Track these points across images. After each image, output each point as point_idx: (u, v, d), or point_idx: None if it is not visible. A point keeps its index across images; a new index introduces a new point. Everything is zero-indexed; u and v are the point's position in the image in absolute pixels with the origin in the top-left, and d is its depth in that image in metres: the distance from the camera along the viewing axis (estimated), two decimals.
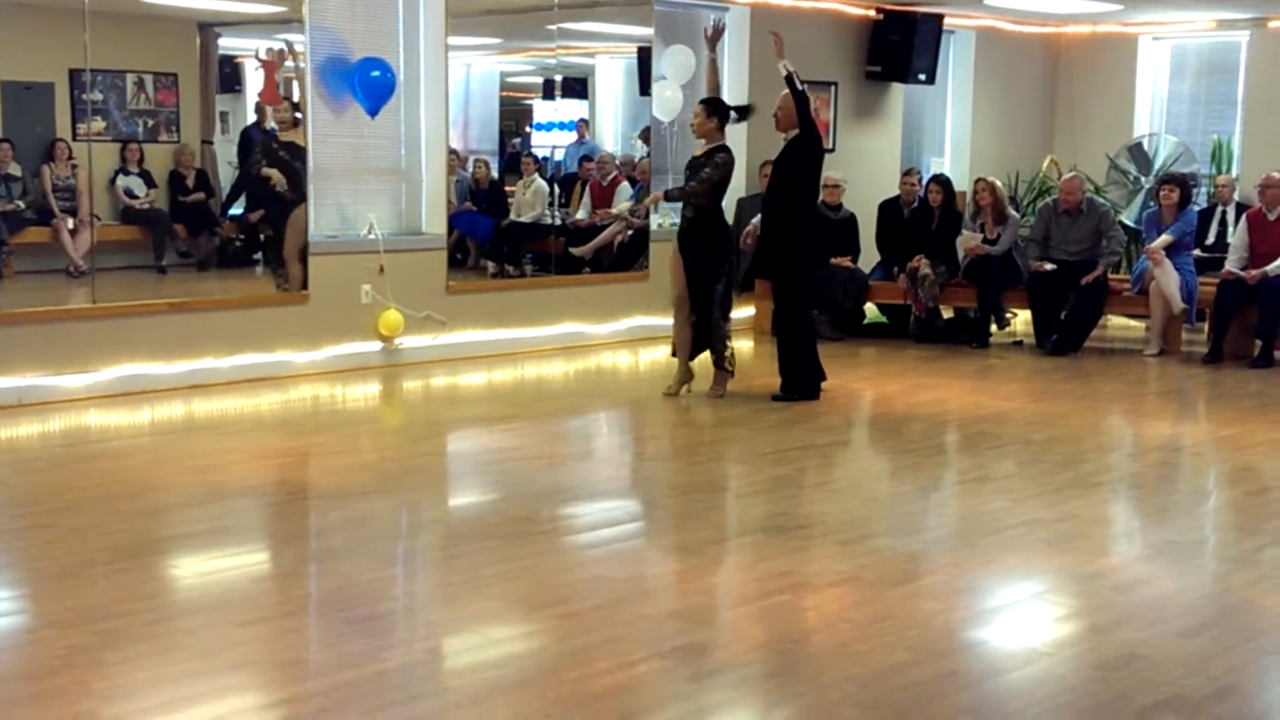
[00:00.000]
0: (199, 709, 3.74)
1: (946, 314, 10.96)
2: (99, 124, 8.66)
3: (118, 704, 3.77)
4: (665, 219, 10.88)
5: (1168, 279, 10.03)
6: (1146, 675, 4.05)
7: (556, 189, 11.08)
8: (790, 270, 8.17)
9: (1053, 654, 4.26)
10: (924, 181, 11.13)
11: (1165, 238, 10.15)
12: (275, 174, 8.89)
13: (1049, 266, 10.32)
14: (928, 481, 6.74)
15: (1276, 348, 9.75)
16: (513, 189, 11.05)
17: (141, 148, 8.94)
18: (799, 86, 7.89)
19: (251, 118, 9.57)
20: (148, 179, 9.01)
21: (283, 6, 9.07)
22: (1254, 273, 9.77)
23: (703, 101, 8.13)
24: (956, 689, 3.97)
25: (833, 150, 11.72)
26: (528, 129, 11.63)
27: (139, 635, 4.25)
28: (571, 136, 11.51)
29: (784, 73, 7.86)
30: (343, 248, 9.06)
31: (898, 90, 12.26)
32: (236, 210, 9.56)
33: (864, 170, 11.78)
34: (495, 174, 11.09)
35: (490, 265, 10.79)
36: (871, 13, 11.80)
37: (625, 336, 10.49)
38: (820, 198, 10.73)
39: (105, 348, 8.00)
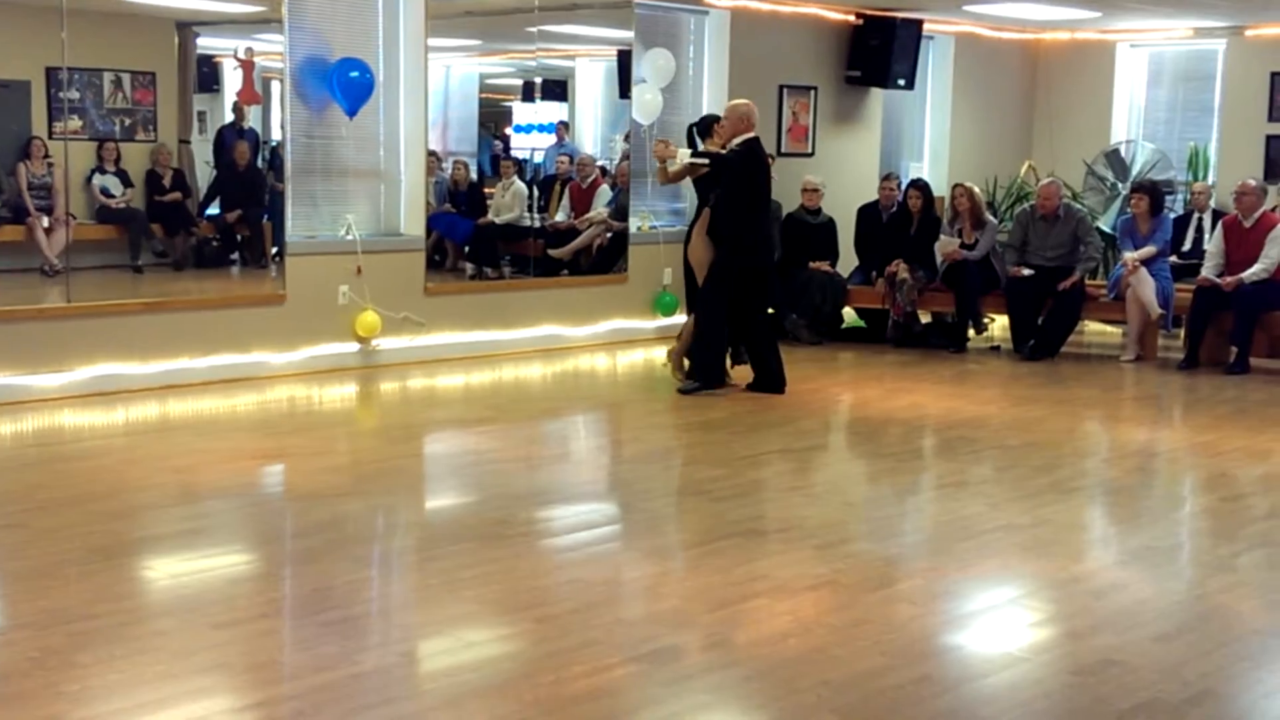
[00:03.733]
0: (172, 711, 3.71)
1: (924, 319, 10.99)
2: (76, 122, 8.61)
3: (90, 706, 3.74)
4: (645, 222, 10.88)
5: (1144, 285, 10.07)
6: (1123, 680, 4.06)
7: (535, 191, 11.06)
8: (720, 266, 8.36)
9: (1029, 659, 4.26)
10: (903, 186, 11.14)
11: (1149, 249, 10.18)
12: None
13: (1026, 272, 10.35)
14: (905, 486, 6.75)
15: (1251, 354, 9.80)
16: (492, 190, 11.02)
17: (118, 146, 8.89)
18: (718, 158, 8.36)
19: (229, 117, 9.54)
20: (124, 178, 8.97)
21: (262, 6, 9.04)
22: (1230, 279, 9.81)
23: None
24: (933, 694, 3.97)
25: (812, 155, 11.74)
26: (507, 131, 11.60)
27: (112, 637, 4.22)
28: (551, 139, 11.49)
29: (686, 160, 8.41)
30: (320, 248, 9.02)
31: (877, 95, 12.28)
32: (213, 210, 9.52)
33: (843, 175, 11.80)
34: (474, 175, 11.07)
35: (469, 267, 10.77)
36: (851, 18, 11.82)
37: (604, 339, 10.47)
38: (799, 202, 10.84)
39: (80, 347, 7.94)
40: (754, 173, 8.34)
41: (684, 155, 8.36)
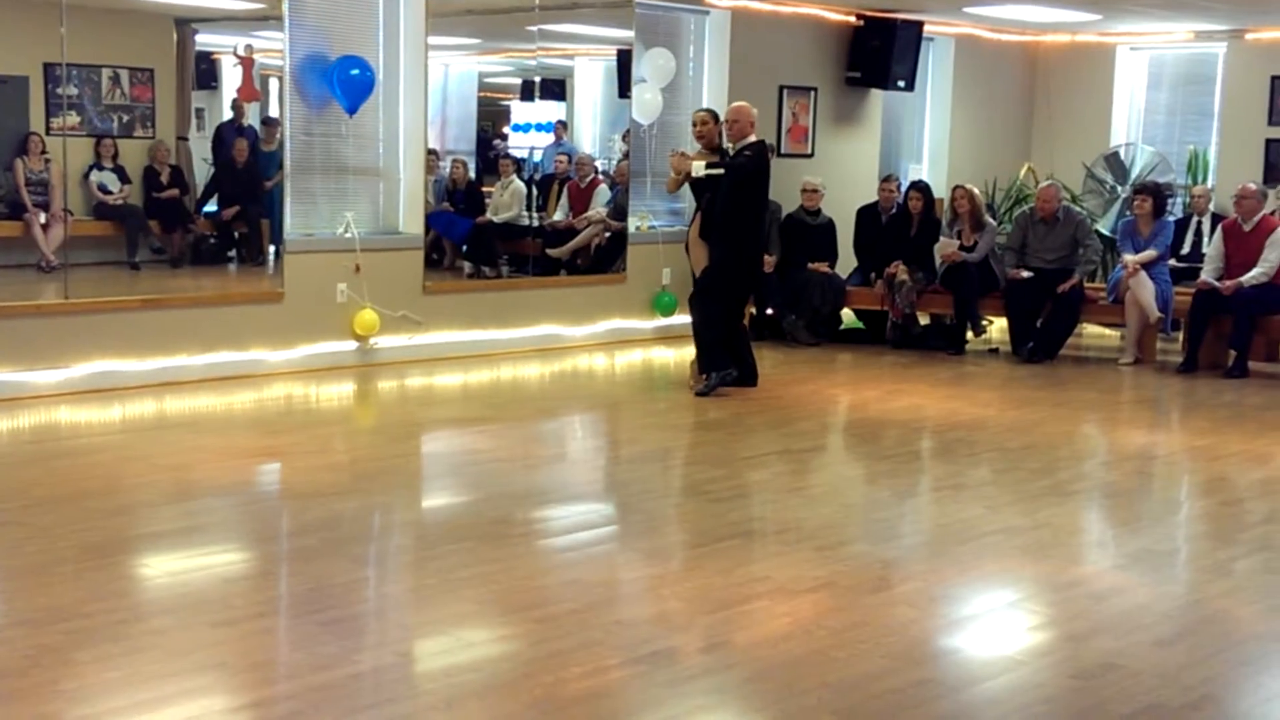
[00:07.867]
0: (169, 710, 3.70)
1: (923, 320, 10.98)
2: (73, 118, 8.59)
3: (86, 704, 3.72)
4: (643, 222, 10.86)
5: (1143, 288, 10.06)
6: (1123, 684, 4.05)
7: (534, 190, 11.05)
8: (726, 265, 8.44)
9: (1029, 663, 4.26)
10: (903, 188, 11.13)
11: (1150, 253, 10.16)
12: None
13: (1025, 274, 10.34)
14: (904, 488, 6.74)
15: (1250, 358, 9.80)
16: (490, 189, 11.01)
17: (116, 143, 8.88)
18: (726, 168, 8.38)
19: (227, 114, 9.52)
20: (122, 174, 8.95)
21: (261, 3, 9.02)
22: (1229, 283, 9.81)
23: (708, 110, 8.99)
24: (933, 697, 3.96)
25: (811, 155, 11.73)
26: (506, 130, 11.58)
27: (108, 635, 4.21)
28: (549, 138, 11.47)
29: (703, 172, 8.35)
30: (319, 246, 9.01)
31: (877, 96, 12.27)
32: (211, 207, 9.50)
33: (842, 176, 11.79)
34: (472, 174, 11.05)
35: (467, 266, 10.75)
36: (852, 19, 11.81)
37: (602, 339, 10.46)
38: (799, 203, 10.84)
39: (77, 344, 7.92)
40: (764, 176, 8.48)
41: (699, 167, 8.38)
